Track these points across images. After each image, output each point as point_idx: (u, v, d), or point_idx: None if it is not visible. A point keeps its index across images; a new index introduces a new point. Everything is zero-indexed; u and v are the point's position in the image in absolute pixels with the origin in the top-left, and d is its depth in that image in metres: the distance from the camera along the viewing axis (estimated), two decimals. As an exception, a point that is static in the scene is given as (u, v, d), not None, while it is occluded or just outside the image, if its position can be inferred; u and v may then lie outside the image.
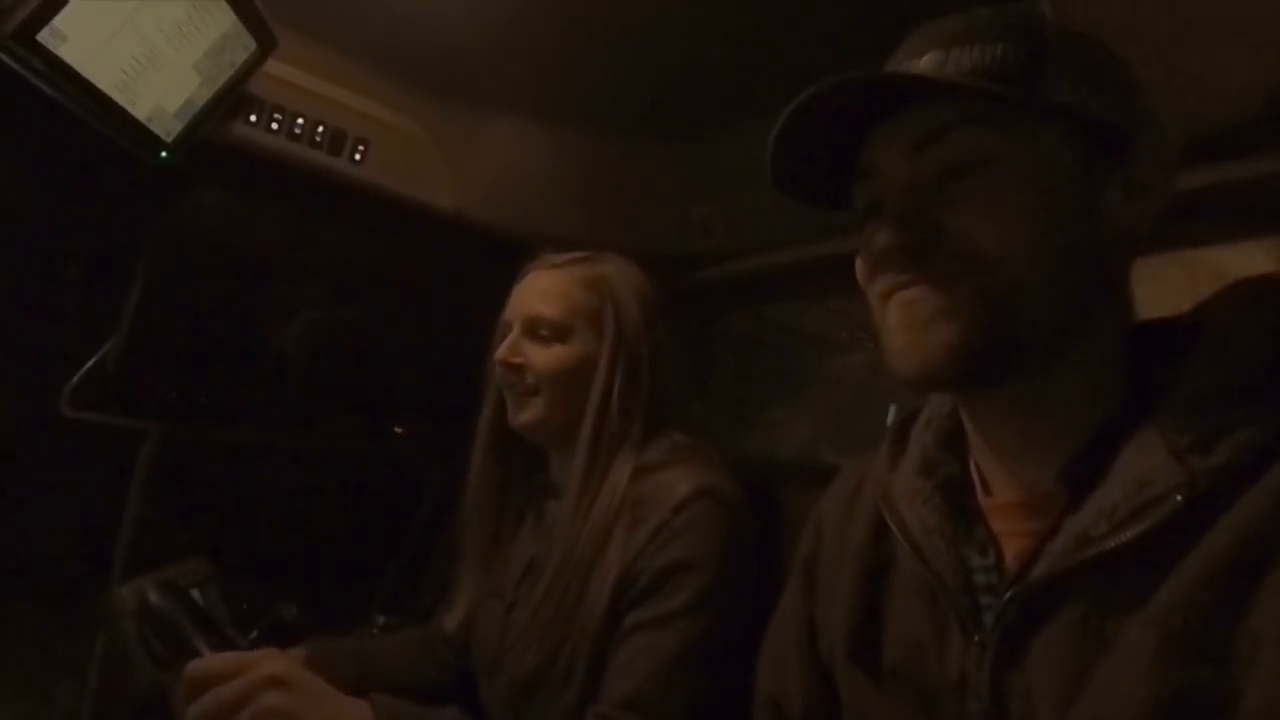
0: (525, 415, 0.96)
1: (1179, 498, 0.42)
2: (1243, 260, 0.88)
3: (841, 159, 0.54)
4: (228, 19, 0.86)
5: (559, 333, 0.95)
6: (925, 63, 0.50)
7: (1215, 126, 0.80)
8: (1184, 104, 0.81)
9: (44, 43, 0.71)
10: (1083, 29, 0.52)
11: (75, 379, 1.13)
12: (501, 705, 0.95)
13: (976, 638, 0.51)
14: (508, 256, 1.04)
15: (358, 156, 1.08)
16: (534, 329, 0.96)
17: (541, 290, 0.97)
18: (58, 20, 0.71)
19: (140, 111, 0.83)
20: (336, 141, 1.05)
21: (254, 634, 0.93)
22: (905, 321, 0.50)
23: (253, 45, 0.90)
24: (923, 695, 0.55)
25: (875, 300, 0.54)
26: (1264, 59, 0.74)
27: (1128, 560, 0.44)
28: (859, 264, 0.55)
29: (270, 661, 0.69)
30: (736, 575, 0.86)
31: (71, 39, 0.73)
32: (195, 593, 0.96)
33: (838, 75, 0.47)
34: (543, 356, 0.95)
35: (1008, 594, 0.49)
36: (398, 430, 1.56)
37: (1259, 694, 0.38)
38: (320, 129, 1.04)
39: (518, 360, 0.95)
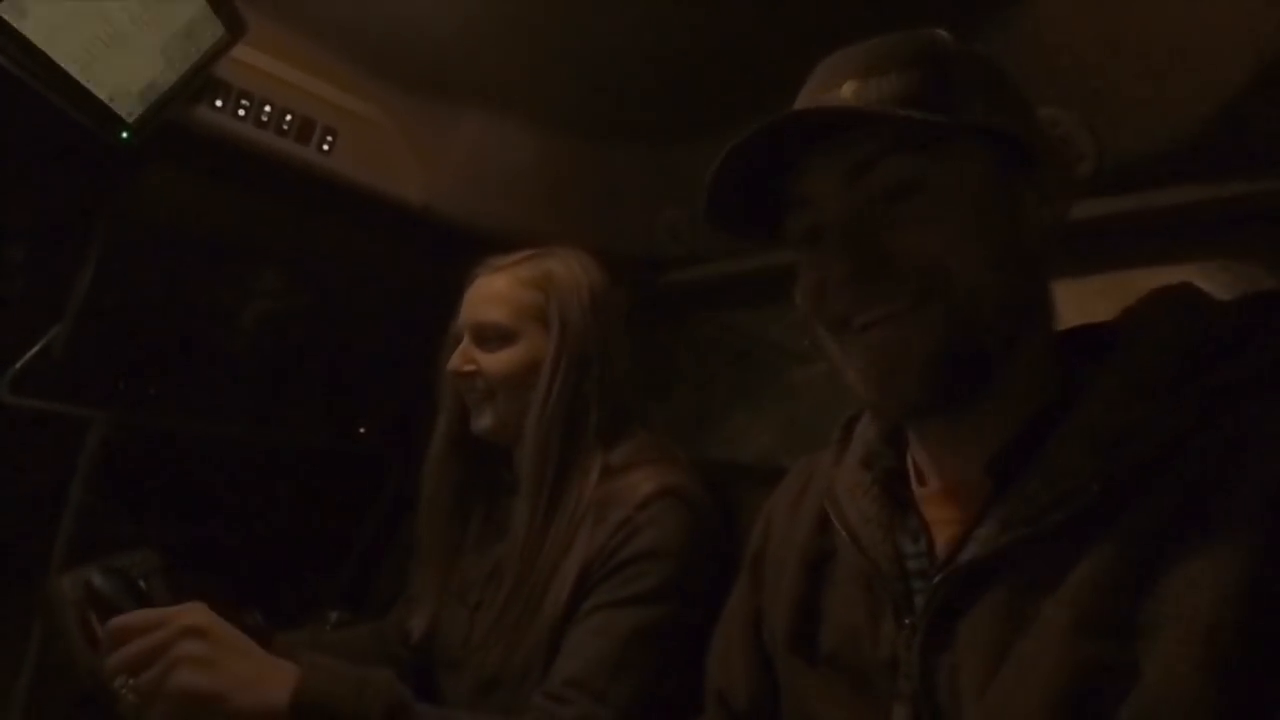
0: (483, 421, 0.97)
1: (1095, 488, 0.45)
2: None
3: (765, 185, 0.55)
4: (196, 3, 0.85)
5: (505, 336, 0.96)
6: (846, 91, 0.52)
7: (1152, 152, 0.84)
8: (1123, 129, 0.85)
9: (4, 15, 0.70)
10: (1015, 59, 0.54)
11: (18, 365, 1.10)
12: (465, 703, 0.95)
13: (907, 620, 0.53)
14: (475, 253, 1.04)
15: (325, 146, 1.07)
16: (482, 335, 0.97)
17: (486, 296, 0.98)
18: (19, -7, 0.70)
19: (102, 90, 0.82)
20: (304, 130, 1.05)
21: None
22: (872, 360, 0.52)
23: (221, 31, 0.90)
24: (857, 677, 0.57)
25: (829, 326, 0.55)
26: (1203, 86, 0.77)
27: (1048, 546, 0.47)
28: (800, 292, 0.55)
29: (192, 614, 0.68)
30: (696, 570, 0.87)
31: (32, 14, 0.72)
32: (140, 583, 0.93)
33: (772, 117, 0.49)
34: (492, 361, 0.96)
35: (936, 578, 0.52)
36: (361, 431, 1.54)
37: (1158, 665, 0.41)
38: (288, 117, 1.03)
39: (469, 368, 0.97)
